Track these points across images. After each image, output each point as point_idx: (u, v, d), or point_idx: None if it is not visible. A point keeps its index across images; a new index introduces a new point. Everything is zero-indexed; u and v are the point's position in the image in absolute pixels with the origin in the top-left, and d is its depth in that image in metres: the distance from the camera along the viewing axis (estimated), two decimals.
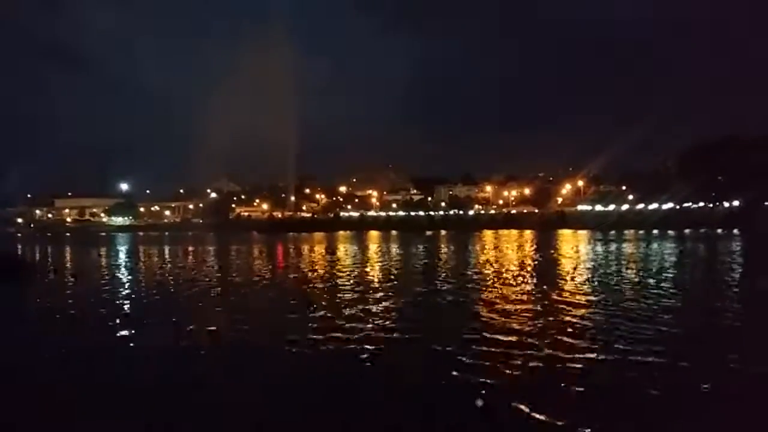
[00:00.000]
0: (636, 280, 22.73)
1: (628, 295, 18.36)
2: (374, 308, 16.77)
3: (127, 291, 22.14)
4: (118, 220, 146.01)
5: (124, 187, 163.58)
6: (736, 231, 64.76)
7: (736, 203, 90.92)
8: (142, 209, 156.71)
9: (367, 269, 29.46)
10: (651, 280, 22.20)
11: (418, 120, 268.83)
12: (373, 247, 50.79)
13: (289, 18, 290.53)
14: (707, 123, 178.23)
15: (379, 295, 19.48)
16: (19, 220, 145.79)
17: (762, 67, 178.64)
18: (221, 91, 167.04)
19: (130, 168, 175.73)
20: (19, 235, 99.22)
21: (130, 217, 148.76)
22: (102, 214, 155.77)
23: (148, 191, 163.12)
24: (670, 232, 66.11)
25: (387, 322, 14.59)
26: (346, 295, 19.64)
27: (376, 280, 24.51)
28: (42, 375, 10.71)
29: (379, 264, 32.64)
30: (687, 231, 67.54)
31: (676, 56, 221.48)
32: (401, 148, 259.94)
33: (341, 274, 27.07)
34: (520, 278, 23.83)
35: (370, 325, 14.14)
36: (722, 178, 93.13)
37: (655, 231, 70.03)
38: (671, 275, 24.63)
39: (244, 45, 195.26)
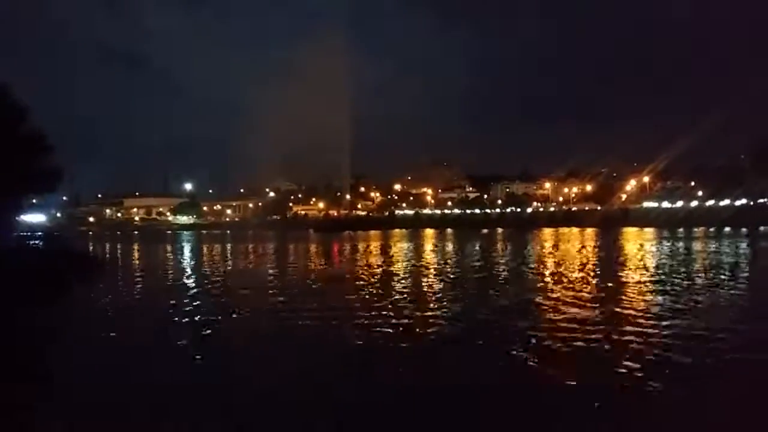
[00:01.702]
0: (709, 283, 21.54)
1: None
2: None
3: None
4: (183, 219, 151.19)
5: (187, 186, 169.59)
6: None
7: None
8: (205, 208, 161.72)
9: (423, 271, 29.26)
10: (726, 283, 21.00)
11: (474, 117, 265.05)
12: (428, 246, 50.51)
13: (347, 16, 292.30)
14: None
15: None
16: (91, 219, 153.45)
17: None
18: (279, 91, 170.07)
19: (194, 168, 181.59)
20: (90, 233, 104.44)
21: (194, 216, 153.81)
22: (168, 213, 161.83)
23: (210, 191, 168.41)
24: (743, 230, 62.44)
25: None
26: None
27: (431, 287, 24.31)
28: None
29: (435, 267, 32.36)
30: (762, 228, 63.60)
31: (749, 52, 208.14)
32: (457, 145, 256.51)
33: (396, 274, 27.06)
34: (582, 284, 23.03)
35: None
36: None
37: (727, 228, 66.31)
38: (745, 277, 23.24)
39: (300, 44, 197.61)
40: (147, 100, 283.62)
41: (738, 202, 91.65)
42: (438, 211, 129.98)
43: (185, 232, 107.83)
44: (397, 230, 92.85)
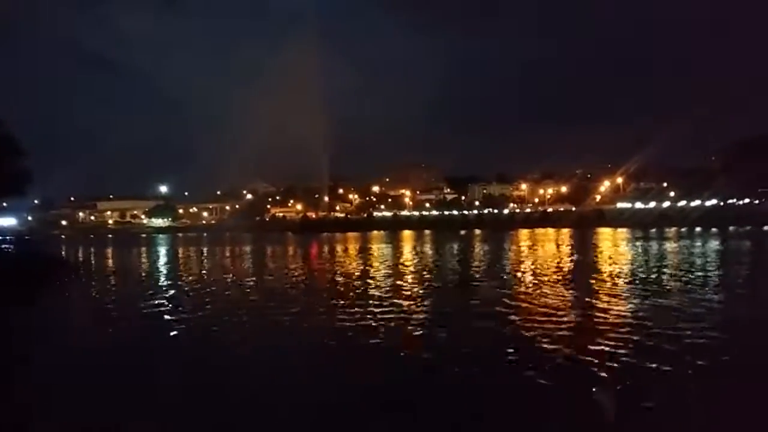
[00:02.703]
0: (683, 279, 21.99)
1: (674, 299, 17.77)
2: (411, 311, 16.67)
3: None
4: (158, 222, 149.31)
5: (162, 189, 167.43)
6: None
7: None
8: (180, 211, 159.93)
9: (402, 271, 29.33)
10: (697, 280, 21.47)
11: (451, 119, 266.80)
12: (407, 248, 50.65)
13: (322, 18, 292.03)
14: (748, 118, 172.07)
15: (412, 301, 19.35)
16: (63, 222, 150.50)
17: None
18: (255, 93, 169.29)
19: (169, 170, 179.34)
20: (63, 236, 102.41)
21: (169, 219, 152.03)
22: (142, 216, 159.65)
23: (186, 193, 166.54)
24: (714, 230, 63.98)
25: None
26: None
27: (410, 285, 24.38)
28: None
29: (413, 267, 32.46)
30: (731, 228, 65.23)
31: (714, 53, 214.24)
32: (434, 147, 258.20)
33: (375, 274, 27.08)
34: (557, 280, 23.33)
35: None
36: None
37: (698, 228, 67.84)
38: (716, 274, 23.79)
39: (277, 46, 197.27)
40: (121, 102, 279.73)
41: (708, 203, 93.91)
42: (416, 213, 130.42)
43: (160, 235, 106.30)
44: (375, 232, 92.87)
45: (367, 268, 30.23)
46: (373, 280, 24.41)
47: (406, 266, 30.78)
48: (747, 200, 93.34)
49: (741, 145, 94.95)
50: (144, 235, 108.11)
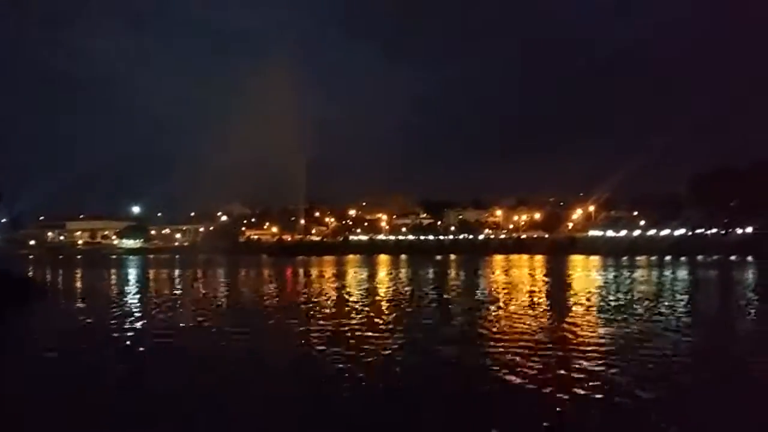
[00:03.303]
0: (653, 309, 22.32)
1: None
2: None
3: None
4: (129, 243, 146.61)
5: (135, 210, 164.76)
6: (750, 258, 63.81)
7: (749, 230, 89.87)
8: (153, 232, 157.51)
9: (377, 299, 29.20)
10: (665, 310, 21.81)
11: (427, 145, 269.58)
12: (382, 273, 50.53)
13: (299, 42, 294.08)
14: (719, 146, 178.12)
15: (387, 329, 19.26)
16: (32, 242, 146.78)
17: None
18: (231, 116, 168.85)
19: (142, 191, 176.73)
20: (31, 257, 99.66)
21: (141, 240, 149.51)
22: (113, 237, 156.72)
23: (159, 214, 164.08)
24: (683, 258, 65.35)
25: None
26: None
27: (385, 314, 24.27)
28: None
29: (388, 295, 32.35)
30: (700, 257, 66.71)
31: (687, 80, 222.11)
32: (411, 172, 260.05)
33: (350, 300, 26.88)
34: (530, 308, 23.48)
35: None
36: (735, 204, 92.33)
37: (668, 257, 69.21)
38: (686, 305, 24.24)
39: (254, 68, 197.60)
40: (93, 121, 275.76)
41: (677, 232, 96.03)
42: (392, 237, 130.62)
43: (131, 257, 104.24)
44: (351, 256, 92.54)
45: (341, 294, 30.05)
46: (344, 306, 24.25)
47: (380, 294, 30.65)
48: (714, 230, 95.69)
49: (708, 173, 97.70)
50: (114, 257, 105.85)
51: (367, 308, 23.22)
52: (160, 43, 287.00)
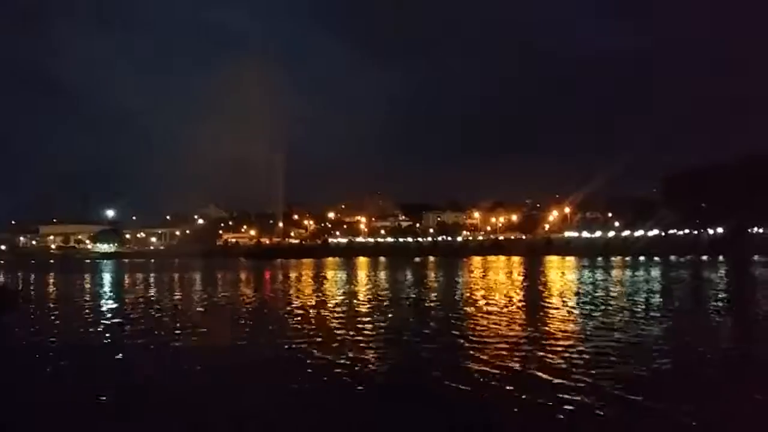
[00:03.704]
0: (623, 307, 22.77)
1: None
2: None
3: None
4: (104, 248, 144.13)
5: (109, 213, 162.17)
6: (721, 258, 65.36)
7: (720, 230, 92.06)
8: (128, 236, 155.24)
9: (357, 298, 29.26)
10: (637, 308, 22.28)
11: (406, 147, 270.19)
12: (361, 274, 50.58)
13: (276, 45, 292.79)
14: (694, 148, 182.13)
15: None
16: (2, 247, 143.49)
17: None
18: (209, 117, 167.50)
19: (117, 194, 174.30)
20: (2, 262, 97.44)
21: (116, 244, 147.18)
22: (87, 241, 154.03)
23: (134, 218, 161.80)
24: (656, 259, 66.66)
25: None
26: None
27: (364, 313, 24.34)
28: None
29: (367, 294, 32.43)
30: (672, 258, 68.11)
31: (663, 83, 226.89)
32: (390, 174, 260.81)
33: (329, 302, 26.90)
34: (507, 308, 23.78)
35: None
36: (706, 205, 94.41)
37: (642, 257, 70.52)
38: (657, 303, 24.78)
39: (233, 70, 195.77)
40: (67, 123, 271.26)
41: (651, 233, 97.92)
42: (371, 240, 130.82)
43: (105, 261, 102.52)
44: (330, 258, 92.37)
45: (319, 296, 30.04)
46: (322, 309, 24.26)
47: (359, 297, 30.70)
48: (687, 231, 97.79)
49: (681, 175, 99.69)
50: (88, 261, 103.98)
51: (342, 311, 23.28)
52: (135, 43, 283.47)
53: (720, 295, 28.68)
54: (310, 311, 23.23)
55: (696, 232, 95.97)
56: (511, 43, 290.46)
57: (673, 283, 36.66)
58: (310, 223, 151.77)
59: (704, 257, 67.63)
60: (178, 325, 19.95)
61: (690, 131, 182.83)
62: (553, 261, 68.88)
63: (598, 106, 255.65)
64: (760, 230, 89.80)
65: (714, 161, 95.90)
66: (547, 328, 17.62)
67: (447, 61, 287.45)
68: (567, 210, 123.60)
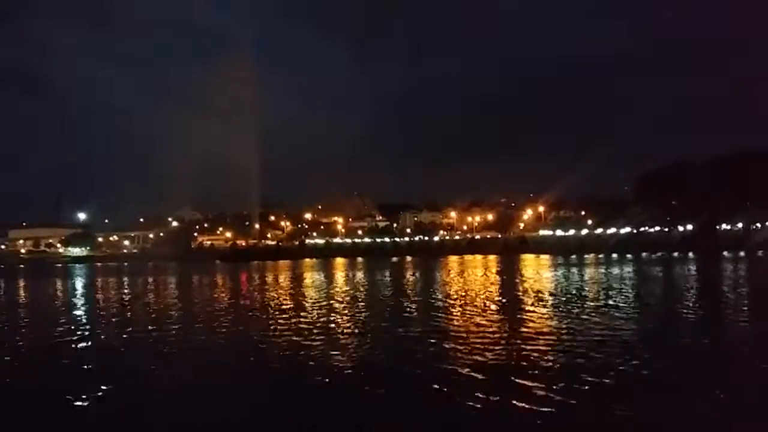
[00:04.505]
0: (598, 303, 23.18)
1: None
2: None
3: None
4: (75, 251, 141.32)
5: (81, 216, 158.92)
6: (691, 254, 66.93)
7: (690, 227, 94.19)
8: (100, 239, 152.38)
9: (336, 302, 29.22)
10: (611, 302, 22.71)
11: (383, 147, 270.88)
12: (339, 276, 50.50)
13: (254, 47, 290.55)
14: (667, 148, 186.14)
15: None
16: None
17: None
18: (184, 119, 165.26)
19: (88, 197, 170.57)
20: None
21: (88, 248, 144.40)
22: (58, 245, 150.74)
23: (106, 221, 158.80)
24: (629, 256, 67.94)
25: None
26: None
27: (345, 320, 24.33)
28: None
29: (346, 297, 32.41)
30: (644, 254, 69.51)
31: (636, 83, 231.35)
32: (366, 175, 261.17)
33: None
34: (485, 311, 23.99)
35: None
36: (677, 203, 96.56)
37: (614, 255, 71.82)
38: (629, 298, 25.27)
39: (208, 69, 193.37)
40: (40, 124, 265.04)
41: (623, 231, 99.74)
42: (349, 240, 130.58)
43: (77, 266, 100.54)
44: (307, 260, 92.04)
45: (297, 298, 29.92)
46: (299, 311, 24.18)
47: (337, 299, 30.66)
48: (658, 228, 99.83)
49: (652, 174, 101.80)
50: (59, 266, 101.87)
51: (322, 310, 23.26)
52: (111, 42, 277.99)
53: (688, 291, 29.31)
54: (291, 315, 23.15)
55: (667, 229, 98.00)
56: (489, 44, 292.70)
57: (643, 279, 37.42)
58: (286, 224, 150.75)
59: (675, 254, 69.17)
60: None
61: (666, 131, 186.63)
62: (528, 259, 69.70)
63: (575, 106, 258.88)
64: (728, 227, 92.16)
65: (684, 161, 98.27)
66: (522, 324, 17.86)
67: (426, 61, 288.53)
68: (541, 209, 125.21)
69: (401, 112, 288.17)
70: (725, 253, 66.08)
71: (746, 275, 39.25)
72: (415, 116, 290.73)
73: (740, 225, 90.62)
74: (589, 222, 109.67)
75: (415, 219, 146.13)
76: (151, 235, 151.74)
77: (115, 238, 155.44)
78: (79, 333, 19.53)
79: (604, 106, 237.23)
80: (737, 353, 13.57)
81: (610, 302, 23.57)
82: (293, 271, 58.49)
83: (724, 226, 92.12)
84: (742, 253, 65.52)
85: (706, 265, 49.61)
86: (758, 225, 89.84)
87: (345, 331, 18.21)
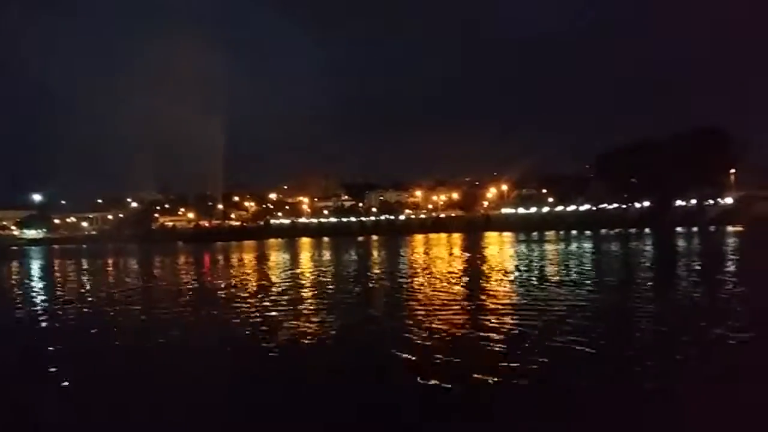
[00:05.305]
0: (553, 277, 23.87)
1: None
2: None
3: None
4: (31, 233, 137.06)
5: (37, 197, 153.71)
6: (647, 230, 69.14)
7: (647, 204, 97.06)
8: (57, 221, 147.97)
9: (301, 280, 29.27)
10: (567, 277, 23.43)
11: (348, 126, 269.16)
12: (305, 255, 50.44)
13: (214, 21, 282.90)
14: (628, 126, 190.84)
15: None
16: None
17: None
18: (143, 97, 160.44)
19: (44, 177, 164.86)
20: None
21: (44, 230, 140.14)
22: (13, 227, 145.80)
23: (63, 202, 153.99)
24: (588, 232, 69.77)
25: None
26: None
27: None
28: None
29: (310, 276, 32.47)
30: (603, 231, 71.47)
31: (597, 62, 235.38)
32: (332, 154, 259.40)
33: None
34: (448, 284, 24.43)
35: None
36: (634, 180, 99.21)
37: (574, 231, 73.63)
38: (583, 272, 26.10)
39: (170, 49, 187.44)
40: None
41: (582, 208, 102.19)
42: (314, 220, 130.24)
43: (33, 248, 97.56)
44: (273, 240, 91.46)
45: (261, 276, 29.85)
46: (265, 289, 24.18)
47: (302, 277, 30.71)
48: (616, 205, 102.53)
49: (610, 152, 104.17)
50: (15, 248, 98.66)
51: (288, 290, 23.31)
52: (61, 16, 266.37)
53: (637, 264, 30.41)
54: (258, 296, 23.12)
55: (625, 206, 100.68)
56: (453, 20, 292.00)
57: (597, 254, 38.60)
58: (251, 205, 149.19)
59: (632, 230, 71.32)
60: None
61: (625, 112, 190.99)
62: (491, 237, 70.87)
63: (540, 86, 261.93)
64: (683, 203, 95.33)
65: (641, 139, 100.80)
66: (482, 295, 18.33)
67: (389, 37, 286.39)
68: (504, 187, 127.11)
69: (366, 90, 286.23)
70: (679, 228, 68.50)
71: (697, 249, 40.83)
72: (381, 95, 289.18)
73: (694, 201, 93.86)
74: (551, 200, 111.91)
75: (381, 198, 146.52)
76: (110, 217, 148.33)
77: (73, 219, 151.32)
78: (35, 314, 19.14)
79: (567, 86, 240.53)
80: (683, 318, 14.24)
81: (562, 274, 24.29)
82: (258, 251, 58.12)
83: (679, 202, 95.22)
84: (695, 229, 68.04)
85: (660, 240, 51.40)
86: (711, 201, 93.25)
87: (308, 305, 18.33)
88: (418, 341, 12.30)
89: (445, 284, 22.52)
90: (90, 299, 22.78)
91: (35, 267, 48.09)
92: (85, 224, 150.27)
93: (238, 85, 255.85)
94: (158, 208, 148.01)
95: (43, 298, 24.45)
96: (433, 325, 13.88)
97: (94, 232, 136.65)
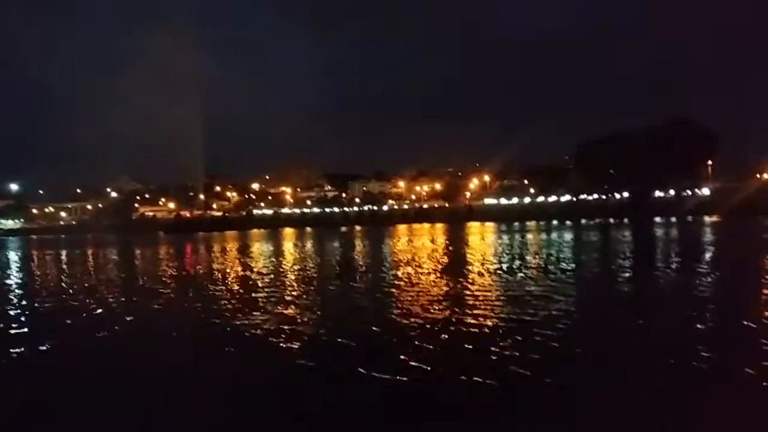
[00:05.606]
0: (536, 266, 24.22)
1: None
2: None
3: None
4: (8, 224, 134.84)
5: (13, 187, 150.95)
6: (626, 221, 70.19)
7: (626, 194, 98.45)
8: (35, 211, 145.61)
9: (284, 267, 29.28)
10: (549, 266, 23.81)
11: (330, 117, 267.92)
12: (287, 245, 50.38)
13: (200, 13, 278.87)
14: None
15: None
16: None
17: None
18: (125, 87, 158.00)
19: (21, 166, 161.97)
20: None
21: (21, 220, 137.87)
22: None
23: (41, 192, 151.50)
24: (568, 223, 70.64)
25: None
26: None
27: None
28: None
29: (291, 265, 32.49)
30: (583, 221, 72.39)
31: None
32: (314, 145, 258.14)
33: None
34: (432, 271, 24.65)
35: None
36: (614, 171, 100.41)
37: (555, 222, 74.48)
38: (565, 260, 26.52)
39: (151, 40, 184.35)
40: None
41: (563, 199, 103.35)
42: (297, 211, 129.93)
43: (10, 238, 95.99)
44: (255, 230, 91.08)
45: (243, 265, 29.80)
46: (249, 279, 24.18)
47: (284, 266, 30.74)
48: (596, 196, 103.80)
49: (590, 143, 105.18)
50: None
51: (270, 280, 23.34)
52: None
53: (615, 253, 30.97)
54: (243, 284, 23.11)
55: (604, 197, 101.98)
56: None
57: (577, 243, 39.18)
58: (233, 195, 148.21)
59: (612, 220, 72.34)
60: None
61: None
62: (474, 227, 71.40)
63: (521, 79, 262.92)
64: (662, 194, 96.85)
65: (622, 131, 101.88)
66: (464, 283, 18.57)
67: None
68: (486, 178, 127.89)
69: (350, 80, 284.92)
70: (658, 219, 69.64)
71: (674, 238, 41.64)
72: (364, 84, 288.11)
73: (672, 192, 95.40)
74: (532, 190, 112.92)
75: (364, 189, 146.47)
76: (89, 207, 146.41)
77: (51, 209, 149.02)
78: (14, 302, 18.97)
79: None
80: (659, 301, 14.64)
81: (541, 263, 24.68)
82: (240, 242, 57.89)
83: (657, 193, 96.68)
84: (673, 219, 69.24)
85: (639, 230, 52.24)
86: (689, 192, 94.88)
87: (292, 293, 18.41)
88: (398, 328, 12.46)
89: (427, 274, 22.71)
90: (64, 290, 22.60)
91: (12, 257, 47.38)
92: (63, 214, 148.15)
93: (221, 75, 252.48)
94: (138, 198, 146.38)
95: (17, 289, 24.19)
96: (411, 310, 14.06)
97: (73, 223, 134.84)
